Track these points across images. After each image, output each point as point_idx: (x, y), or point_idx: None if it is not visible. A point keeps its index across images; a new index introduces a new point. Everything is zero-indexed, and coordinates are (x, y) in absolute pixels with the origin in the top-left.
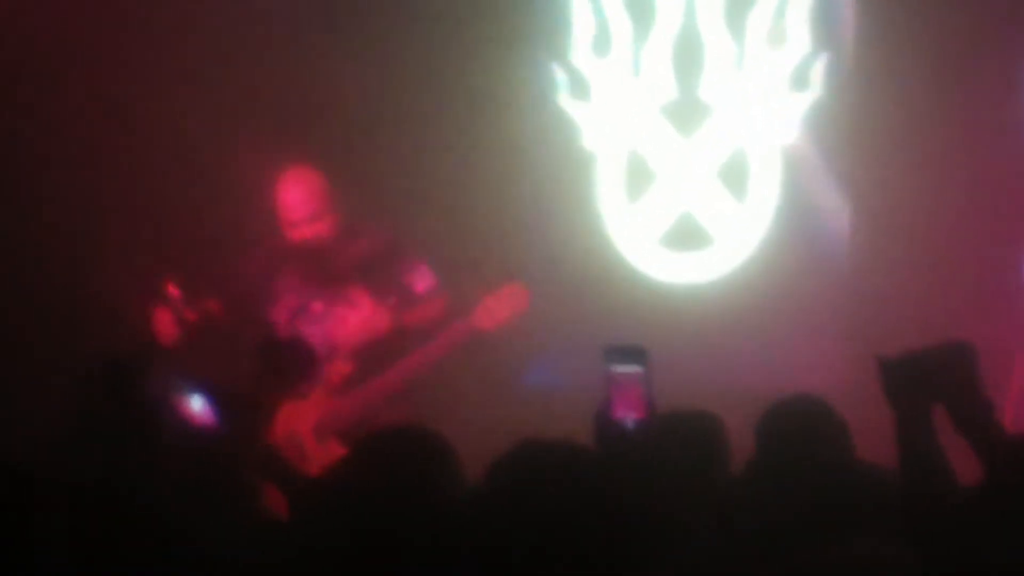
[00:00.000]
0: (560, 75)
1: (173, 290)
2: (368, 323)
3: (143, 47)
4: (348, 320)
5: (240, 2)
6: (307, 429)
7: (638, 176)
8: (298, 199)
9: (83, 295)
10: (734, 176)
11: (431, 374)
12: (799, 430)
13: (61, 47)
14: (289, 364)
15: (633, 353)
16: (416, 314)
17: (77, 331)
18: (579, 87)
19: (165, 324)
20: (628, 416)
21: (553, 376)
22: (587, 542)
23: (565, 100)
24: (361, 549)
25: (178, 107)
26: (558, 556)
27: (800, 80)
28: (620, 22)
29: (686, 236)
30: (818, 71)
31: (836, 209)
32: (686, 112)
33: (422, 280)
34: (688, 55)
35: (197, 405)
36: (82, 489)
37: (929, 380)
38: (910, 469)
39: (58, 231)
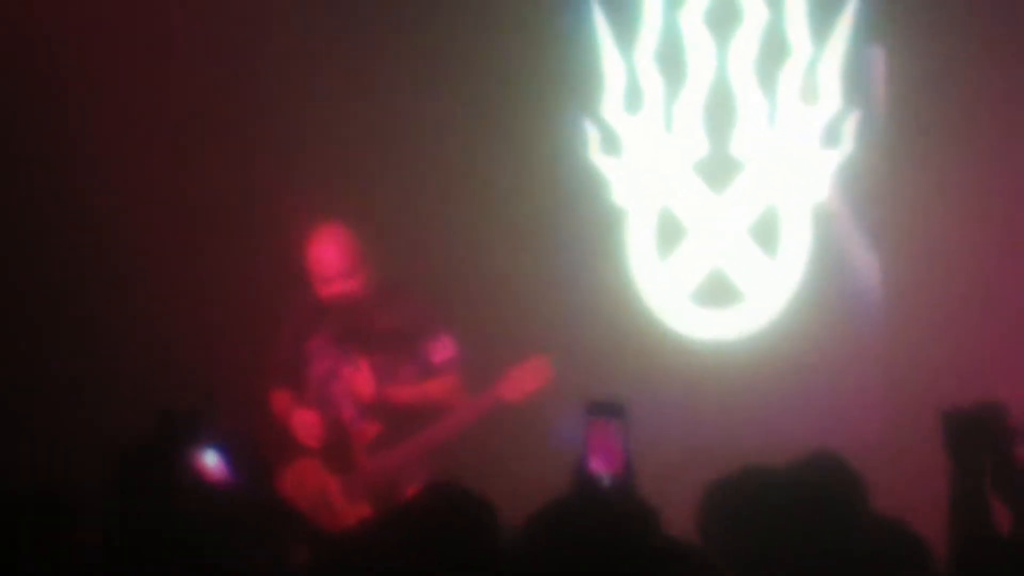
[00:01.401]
0: (592, 131)
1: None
2: (363, 387)
3: (177, 105)
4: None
5: (280, 59)
6: (336, 488)
7: (669, 232)
8: (331, 255)
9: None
10: (765, 232)
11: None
12: (815, 487)
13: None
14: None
15: (612, 408)
16: (429, 387)
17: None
18: (610, 143)
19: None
20: (603, 470)
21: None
22: None
23: (596, 156)
24: None
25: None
26: None
27: (832, 137)
28: (652, 78)
29: (717, 293)
30: (850, 128)
31: (868, 266)
32: (717, 168)
33: (442, 351)
34: (720, 111)
35: (211, 460)
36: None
37: (989, 433)
38: (968, 520)
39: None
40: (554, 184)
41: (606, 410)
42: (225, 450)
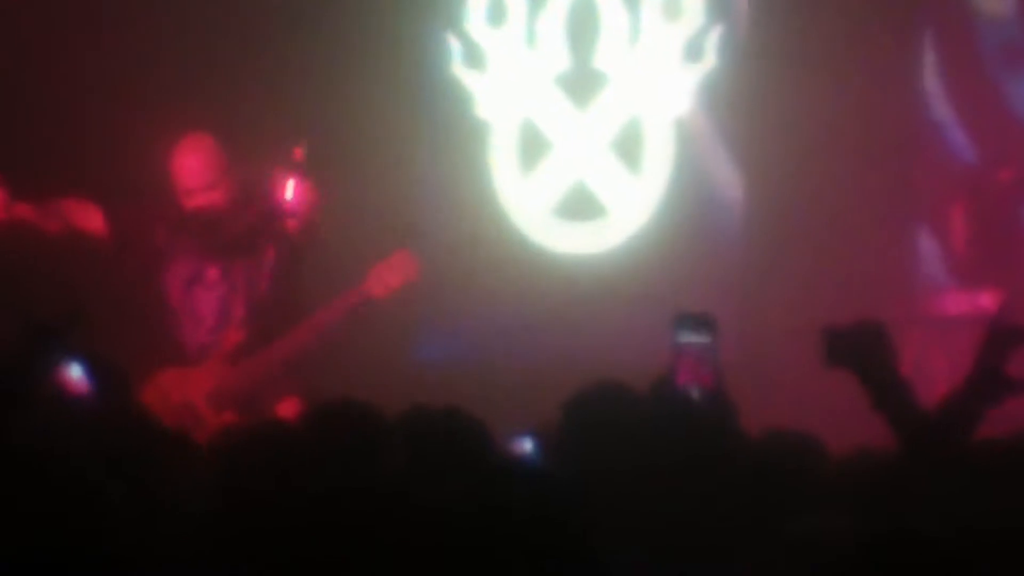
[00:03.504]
0: (454, 44)
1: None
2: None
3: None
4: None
5: None
6: (201, 397)
7: (532, 146)
8: (194, 167)
9: None
10: (628, 147)
11: (325, 344)
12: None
13: None
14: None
15: (702, 322)
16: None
17: None
18: (473, 56)
19: None
20: (693, 384)
21: (445, 347)
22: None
23: (459, 69)
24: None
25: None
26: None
27: (694, 51)
28: None
29: (579, 206)
30: (712, 42)
31: (729, 180)
32: (581, 82)
33: (292, 189)
34: (583, 26)
35: (75, 373)
36: None
37: (869, 350)
38: (909, 420)
39: None
40: (417, 98)
41: (697, 325)
42: (86, 362)
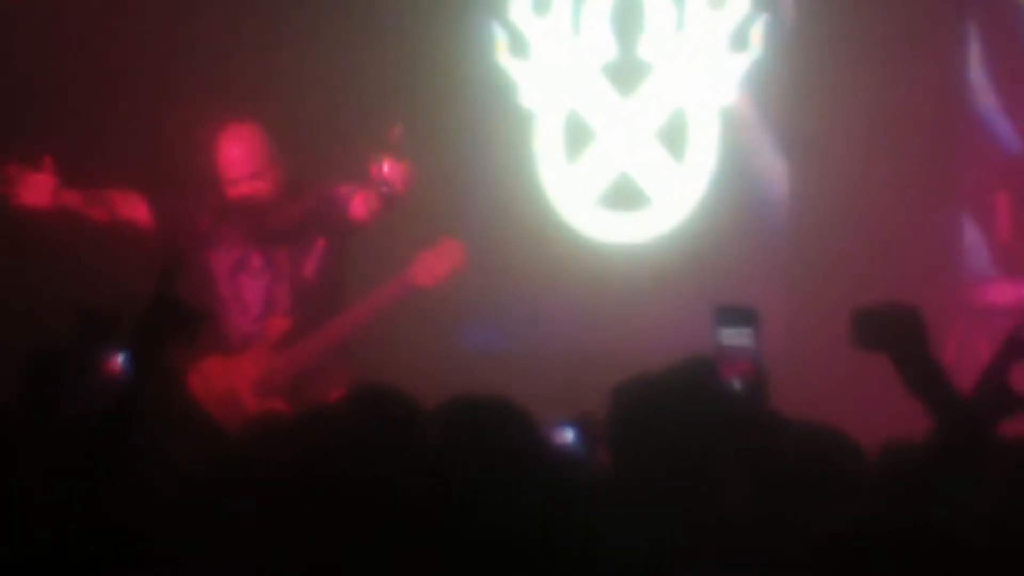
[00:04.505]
0: (500, 33)
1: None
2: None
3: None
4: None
5: None
6: (246, 386)
7: (577, 135)
8: (239, 155)
9: None
10: (673, 136)
11: (370, 331)
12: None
13: None
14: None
15: (744, 314)
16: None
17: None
18: (519, 45)
19: None
20: (734, 375)
21: (489, 336)
22: (513, 496)
23: (504, 58)
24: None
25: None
26: (481, 510)
27: (739, 41)
28: None
29: (624, 196)
30: (757, 32)
31: (774, 170)
32: (625, 72)
33: (389, 168)
34: (628, 15)
35: (120, 362)
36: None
37: (900, 332)
38: (941, 402)
39: None
40: (462, 87)
41: (738, 320)
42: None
